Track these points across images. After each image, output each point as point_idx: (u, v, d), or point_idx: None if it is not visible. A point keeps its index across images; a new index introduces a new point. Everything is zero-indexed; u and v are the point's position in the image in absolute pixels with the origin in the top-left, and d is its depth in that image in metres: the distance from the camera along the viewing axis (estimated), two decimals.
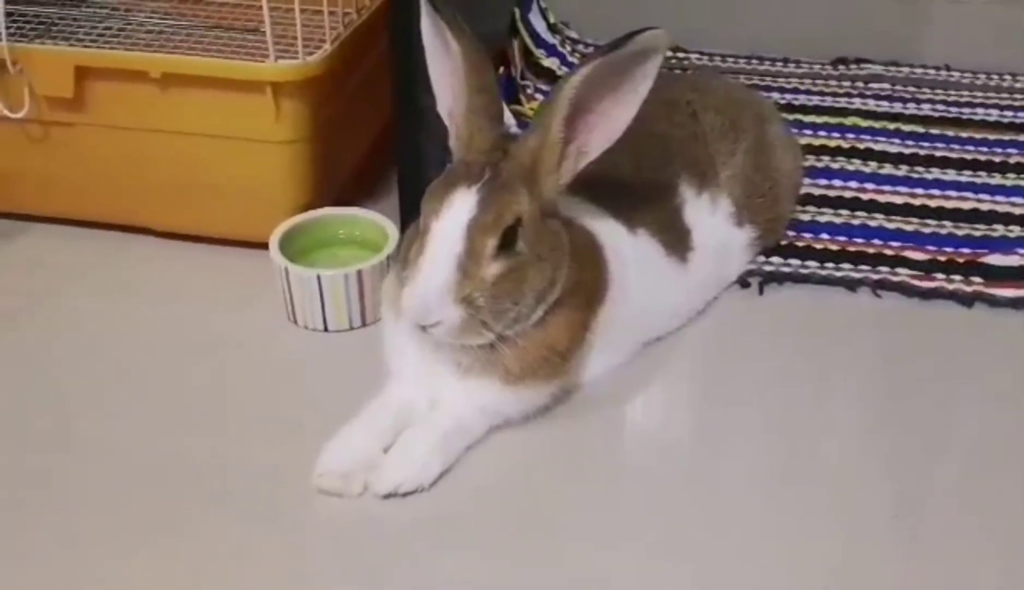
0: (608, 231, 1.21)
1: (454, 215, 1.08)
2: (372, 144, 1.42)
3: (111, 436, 1.16)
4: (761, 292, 1.37)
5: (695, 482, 1.13)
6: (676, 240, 1.28)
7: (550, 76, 1.74)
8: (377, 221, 1.34)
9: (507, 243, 1.09)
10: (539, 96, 1.69)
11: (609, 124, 1.12)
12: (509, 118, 1.27)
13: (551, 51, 1.77)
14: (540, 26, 1.79)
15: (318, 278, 1.26)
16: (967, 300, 1.34)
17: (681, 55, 1.85)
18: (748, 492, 1.12)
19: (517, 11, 1.73)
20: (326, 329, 1.30)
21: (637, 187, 1.28)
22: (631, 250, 1.23)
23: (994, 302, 1.34)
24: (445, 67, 1.14)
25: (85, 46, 1.35)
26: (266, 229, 1.31)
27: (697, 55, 1.86)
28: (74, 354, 1.27)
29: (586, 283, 1.16)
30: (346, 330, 1.30)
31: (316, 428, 1.13)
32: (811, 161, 1.58)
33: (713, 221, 1.32)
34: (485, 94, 1.12)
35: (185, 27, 1.47)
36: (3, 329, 1.30)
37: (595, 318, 1.18)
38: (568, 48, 1.81)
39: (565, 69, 1.77)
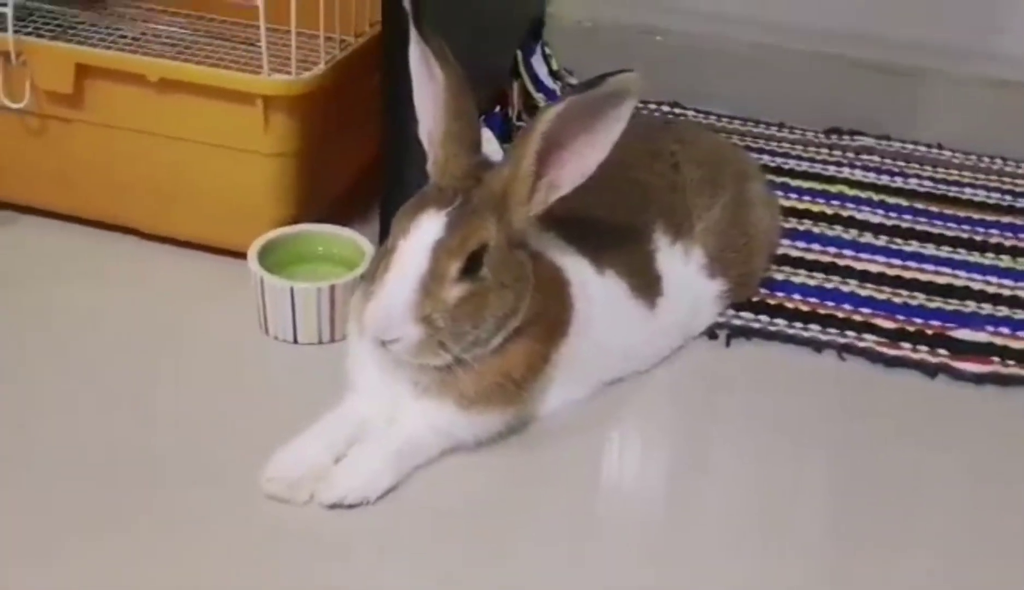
0: (576, 268, 1.23)
1: (421, 236, 1.10)
2: (365, 167, 1.45)
3: (64, 426, 1.19)
4: (728, 345, 1.39)
5: (636, 523, 1.15)
6: (645, 285, 1.30)
7: None
8: (356, 240, 1.36)
9: (471, 268, 1.11)
10: None
11: (581, 162, 1.14)
12: (496, 150, 1.30)
13: (551, 95, 1.80)
14: (542, 70, 1.82)
15: (291, 290, 1.28)
16: (931, 371, 1.36)
17: (679, 111, 1.89)
18: (688, 533, 1.13)
19: (520, 53, 1.77)
20: (296, 341, 1.32)
21: (611, 230, 1.30)
22: (597, 289, 1.25)
23: (957, 375, 1.35)
24: (428, 93, 1.17)
25: (91, 45, 1.38)
26: (249, 239, 1.34)
27: (694, 112, 1.89)
28: (41, 342, 1.30)
29: (549, 315, 1.18)
30: (315, 344, 1.32)
31: (273, 435, 1.15)
32: (792, 224, 1.61)
33: (685, 270, 1.34)
34: (463, 121, 1.15)
35: (195, 38, 1.52)
36: None
37: (556, 351, 1.20)
38: None
39: None
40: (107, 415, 1.20)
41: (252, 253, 1.32)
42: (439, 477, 1.16)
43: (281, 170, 1.34)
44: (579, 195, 1.35)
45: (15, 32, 1.34)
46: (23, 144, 1.41)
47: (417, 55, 1.17)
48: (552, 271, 1.21)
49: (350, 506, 1.11)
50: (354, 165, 1.41)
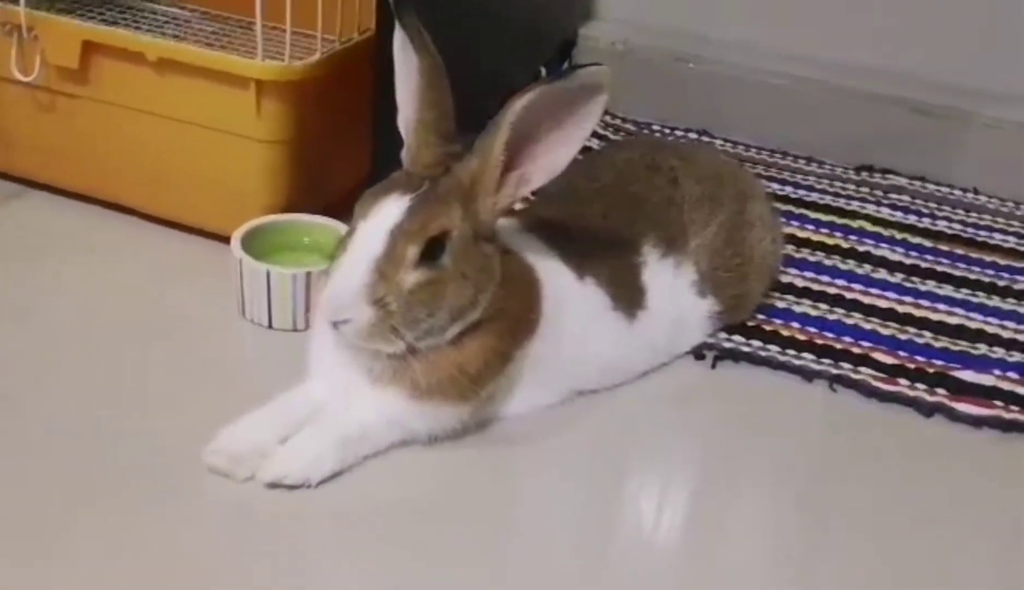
0: (551, 270, 1.21)
1: (381, 219, 1.09)
2: (360, 164, 1.44)
3: (38, 394, 1.19)
4: (713, 366, 1.34)
5: (590, 537, 1.10)
6: (627, 296, 1.26)
7: None
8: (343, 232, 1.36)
9: (431, 254, 1.09)
10: None
11: (552, 156, 1.12)
12: None
13: None
14: None
15: (267, 273, 1.28)
16: (926, 410, 1.29)
17: (706, 139, 1.85)
18: (639, 558, 1.09)
19: (543, 70, 1.76)
20: (270, 326, 1.31)
21: (597, 238, 1.27)
22: (573, 294, 1.22)
23: (954, 416, 1.28)
24: (406, 80, 1.16)
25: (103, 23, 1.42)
26: (239, 224, 1.34)
27: (722, 140, 1.86)
28: (27, 310, 1.31)
29: (512, 313, 1.16)
30: (289, 330, 1.31)
31: (231, 415, 1.13)
32: (804, 254, 1.56)
33: (673, 286, 1.31)
34: (437, 110, 1.13)
35: (202, 25, 1.56)
36: None
37: (520, 350, 1.17)
38: None
39: None
40: (80, 383, 1.21)
41: (236, 236, 1.32)
42: (387, 470, 1.14)
43: (272, 157, 1.35)
44: (570, 202, 1.36)
45: (27, 6, 1.38)
46: (34, 119, 1.45)
47: (399, 42, 1.16)
48: (523, 270, 1.18)
49: (290, 487, 1.09)
50: (349, 160, 1.41)
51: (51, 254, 1.42)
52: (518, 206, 1.49)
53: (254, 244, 1.33)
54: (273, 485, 1.09)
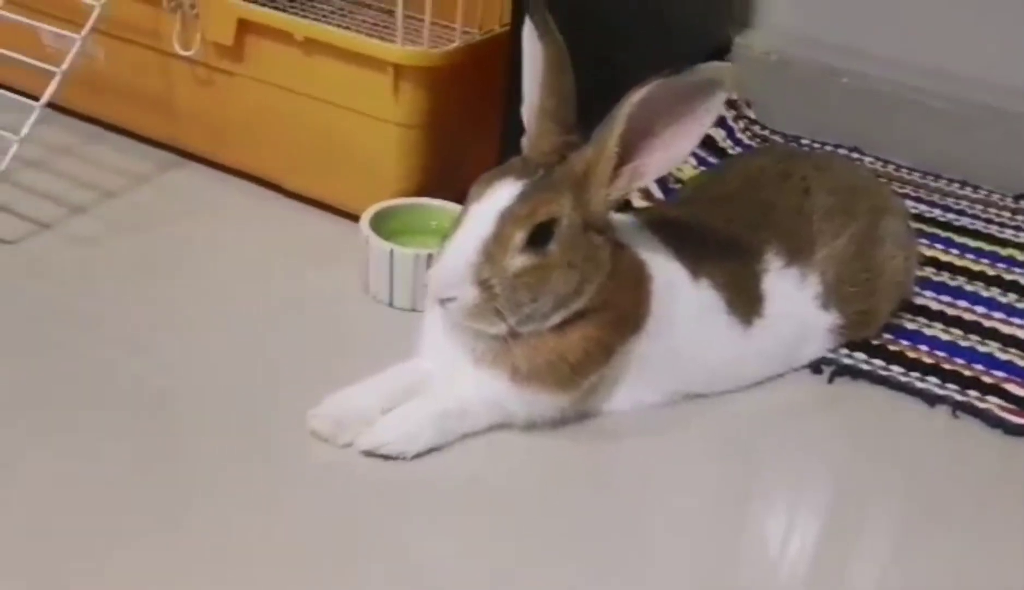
0: (665, 268, 1.20)
1: (493, 202, 1.10)
2: (494, 153, 1.47)
3: (160, 347, 1.25)
4: (831, 381, 1.30)
5: (674, 543, 1.09)
6: (744, 302, 1.25)
7: (711, 144, 1.74)
8: None
9: (539, 240, 1.10)
10: (691, 158, 1.69)
11: (668, 151, 1.12)
12: None
13: (719, 122, 1.77)
14: None
15: (391, 252, 1.32)
16: None
17: (856, 156, 1.80)
18: (731, 569, 1.07)
19: None
20: (391, 304, 1.35)
21: (718, 241, 1.26)
22: (686, 294, 1.21)
23: None
24: (531, 68, 1.18)
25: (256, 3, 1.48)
26: (371, 205, 1.39)
27: (873, 159, 1.80)
28: (169, 271, 1.39)
29: (619, 307, 1.16)
30: (408, 309, 1.34)
31: (339, 384, 1.17)
32: (943, 277, 1.50)
33: (796, 296, 1.28)
34: (557, 98, 1.14)
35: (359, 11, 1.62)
36: (128, 238, 1.44)
37: (624, 345, 1.16)
38: (741, 124, 1.81)
39: (730, 142, 1.77)
40: (206, 342, 1.27)
41: (366, 216, 1.36)
42: (485, 450, 1.15)
43: (407, 140, 1.39)
44: (695, 204, 1.35)
45: None
46: (194, 93, 1.53)
47: (527, 31, 1.18)
48: (634, 264, 1.18)
49: (386, 457, 1.12)
50: (480, 150, 1.43)
51: (197, 221, 1.49)
52: (641, 203, 1.51)
53: (383, 225, 1.37)
54: (370, 453, 1.12)
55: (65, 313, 1.29)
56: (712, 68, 1.08)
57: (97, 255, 1.40)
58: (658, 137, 1.11)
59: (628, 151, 1.12)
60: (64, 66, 1.40)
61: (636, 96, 1.08)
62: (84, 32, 1.41)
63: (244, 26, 1.43)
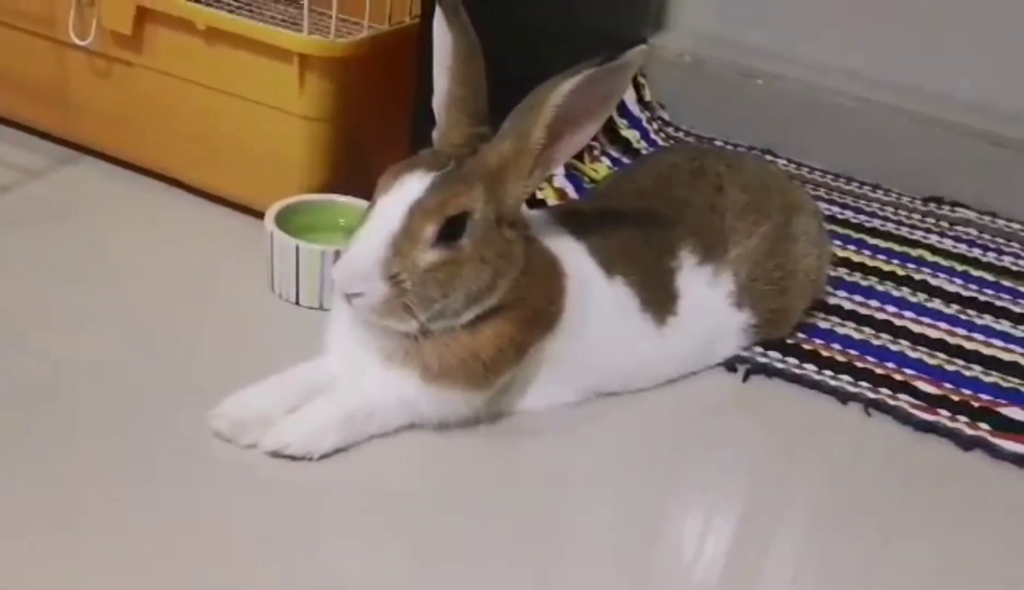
0: (579, 265, 1.17)
1: (402, 195, 1.07)
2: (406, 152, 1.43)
3: (59, 347, 1.20)
4: (745, 380, 1.29)
5: (594, 541, 1.06)
6: (657, 300, 1.23)
7: (625, 145, 1.73)
8: None
9: (450, 234, 1.06)
10: (604, 159, 1.68)
11: (580, 137, 1.10)
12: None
13: (634, 123, 1.76)
14: (630, 97, 1.78)
15: (296, 248, 1.27)
16: (965, 443, 1.23)
17: (770, 158, 1.80)
18: (642, 566, 1.05)
19: None
20: (298, 302, 1.30)
21: (631, 238, 1.24)
22: (600, 292, 1.18)
23: (995, 452, 1.22)
24: (442, 59, 1.14)
25: None
26: (277, 201, 1.34)
27: (786, 161, 1.81)
28: (63, 270, 1.32)
29: (532, 304, 1.13)
30: (316, 308, 1.30)
31: (242, 383, 1.12)
32: (856, 278, 1.51)
33: (709, 294, 1.27)
34: (468, 88, 1.11)
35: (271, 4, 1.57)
36: (20, 235, 1.37)
37: (537, 343, 1.14)
38: (655, 126, 1.80)
39: (644, 143, 1.76)
40: (106, 341, 1.21)
41: (271, 212, 1.32)
42: (393, 451, 1.12)
43: (313, 134, 1.34)
44: (608, 201, 1.33)
45: None
46: (91, 85, 1.46)
47: (437, 20, 1.14)
48: (548, 261, 1.15)
49: (291, 457, 1.07)
50: (389, 145, 1.39)
51: (92, 218, 1.43)
52: (552, 201, 1.49)
53: (289, 222, 1.33)
54: (275, 454, 1.07)
55: None
56: (638, 53, 1.07)
57: None
58: (577, 125, 1.09)
59: (549, 141, 1.09)
60: None
61: (566, 86, 1.06)
62: None
63: (143, 14, 1.38)
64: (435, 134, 1.15)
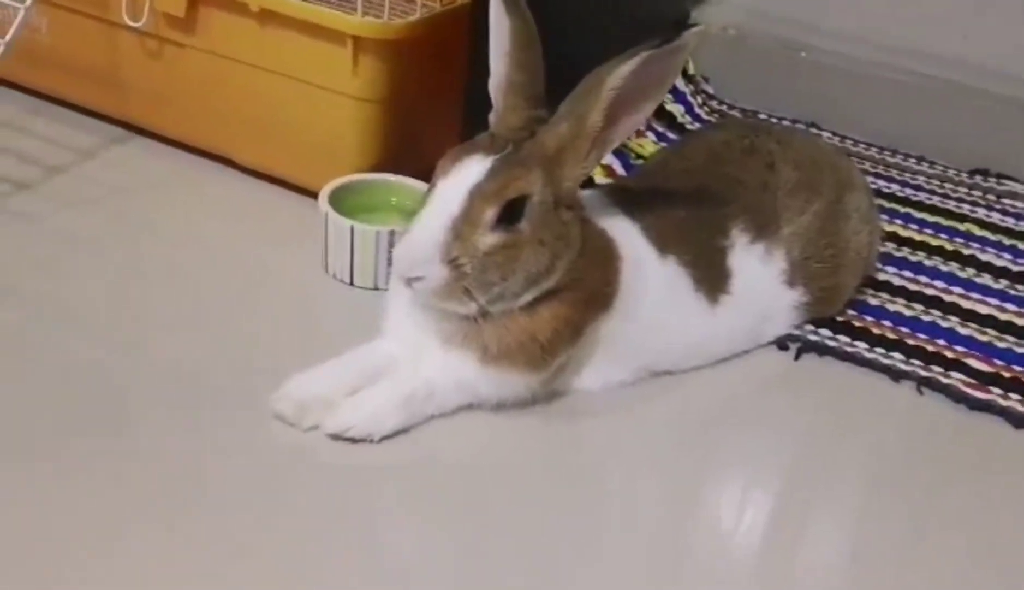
0: (632, 246, 1.18)
1: (461, 179, 1.08)
2: (457, 129, 1.44)
3: (110, 328, 1.22)
4: (797, 358, 1.30)
5: (651, 521, 1.08)
6: (710, 279, 1.23)
7: (670, 119, 1.73)
8: None
9: (509, 218, 1.07)
10: (649, 134, 1.68)
11: (636, 119, 1.11)
12: None
13: (679, 97, 1.76)
14: None
15: (351, 229, 1.28)
16: (1018, 420, 1.23)
17: (814, 131, 1.80)
18: (701, 547, 1.07)
19: None
20: (352, 283, 1.31)
21: (684, 217, 1.24)
22: (653, 272, 1.19)
23: None
24: (499, 42, 1.15)
25: None
26: (330, 181, 1.35)
27: (830, 134, 1.80)
28: (113, 250, 1.34)
29: (589, 285, 1.14)
30: (370, 289, 1.31)
31: (300, 366, 1.13)
32: (904, 253, 1.51)
33: (762, 273, 1.27)
34: (526, 73, 1.12)
35: None
36: (83, 212, 1.39)
37: (593, 323, 1.15)
38: (699, 99, 1.80)
39: (688, 118, 1.76)
40: (159, 324, 1.23)
41: (324, 192, 1.33)
42: (454, 432, 1.13)
43: (366, 115, 1.35)
44: (660, 180, 1.34)
45: None
46: (143, 66, 1.48)
47: (494, 4, 1.15)
48: (604, 242, 1.16)
49: (352, 440, 1.09)
50: (442, 125, 1.40)
51: (145, 197, 1.44)
52: (603, 180, 1.49)
53: (342, 201, 1.34)
54: (336, 437, 1.09)
55: (9, 294, 1.24)
56: (689, 34, 1.07)
57: (42, 232, 1.35)
58: (634, 107, 1.10)
59: (606, 124, 1.10)
60: (7, 37, 1.34)
61: (624, 68, 1.06)
62: (28, 2, 1.36)
63: None
64: (492, 117, 1.15)
